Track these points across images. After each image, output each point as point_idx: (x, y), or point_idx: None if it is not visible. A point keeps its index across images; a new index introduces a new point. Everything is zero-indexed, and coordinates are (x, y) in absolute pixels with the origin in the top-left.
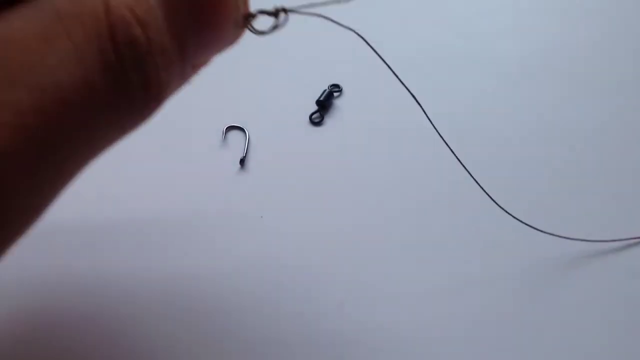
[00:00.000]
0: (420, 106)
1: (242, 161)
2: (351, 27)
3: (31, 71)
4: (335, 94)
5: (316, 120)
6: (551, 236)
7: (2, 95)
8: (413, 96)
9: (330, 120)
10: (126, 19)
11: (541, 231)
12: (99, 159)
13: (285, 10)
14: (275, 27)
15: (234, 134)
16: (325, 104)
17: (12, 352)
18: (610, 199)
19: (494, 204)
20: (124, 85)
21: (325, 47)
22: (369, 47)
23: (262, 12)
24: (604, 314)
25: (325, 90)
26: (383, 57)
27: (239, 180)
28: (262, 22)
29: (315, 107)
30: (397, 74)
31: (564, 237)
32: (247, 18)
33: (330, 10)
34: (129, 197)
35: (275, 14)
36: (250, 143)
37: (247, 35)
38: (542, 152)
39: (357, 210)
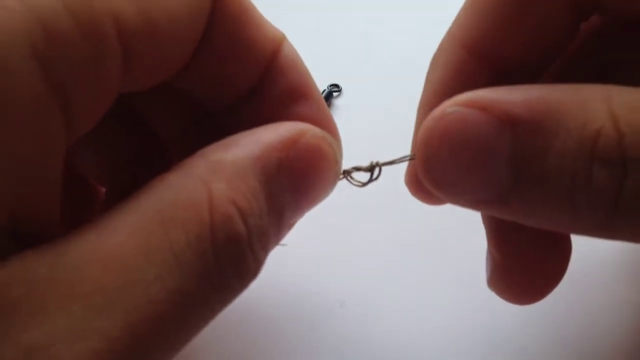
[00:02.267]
0: None
1: None
2: None
3: (127, 292)
4: (335, 94)
5: None
6: None
7: (96, 321)
8: None
9: None
10: (229, 214)
11: None
12: None
13: (379, 165)
14: (371, 180)
15: None
16: None
17: None
18: None
19: None
20: (221, 284)
21: (325, 46)
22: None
23: (358, 169)
24: None
25: (324, 90)
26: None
27: None
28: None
29: None
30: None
31: None
32: (344, 174)
33: None
34: None
35: (370, 169)
36: None
37: None
38: None
39: (357, 210)
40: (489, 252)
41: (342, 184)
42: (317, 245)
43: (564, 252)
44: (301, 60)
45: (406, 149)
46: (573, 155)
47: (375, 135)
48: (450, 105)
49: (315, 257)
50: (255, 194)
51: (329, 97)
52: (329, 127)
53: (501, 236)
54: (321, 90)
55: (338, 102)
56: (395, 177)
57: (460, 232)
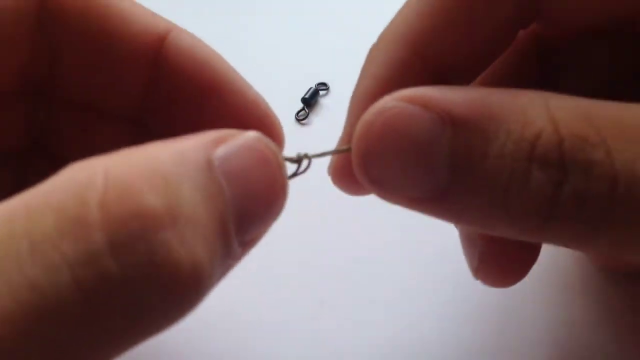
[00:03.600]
0: None
1: None
2: None
3: None
4: (322, 92)
5: (301, 118)
6: None
7: None
8: None
9: (316, 119)
10: (134, 188)
11: None
12: None
13: (307, 157)
14: (295, 174)
15: None
16: (310, 102)
17: None
18: None
19: None
20: (122, 278)
21: (313, 44)
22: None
23: (285, 159)
24: None
25: (311, 88)
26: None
27: None
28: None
29: (301, 105)
30: None
31: None
32: None
33: None
34: None
35: (297, 160)
36: None
37: (231, 31)
38: None
39: (344, 209)
40: (471, 243)
41: (319, 184)
42: (304, 243)
43: None
44: (204, 48)
45: None
46: (512, 157)
47: None
48: (391, 100)
49: (301, 254)
50: (174, 179)
51: (314, 95)
52: (264, 116)
53: None
54: (308, 88)
55: (325, 100)
56: None
57: (441, 231)
